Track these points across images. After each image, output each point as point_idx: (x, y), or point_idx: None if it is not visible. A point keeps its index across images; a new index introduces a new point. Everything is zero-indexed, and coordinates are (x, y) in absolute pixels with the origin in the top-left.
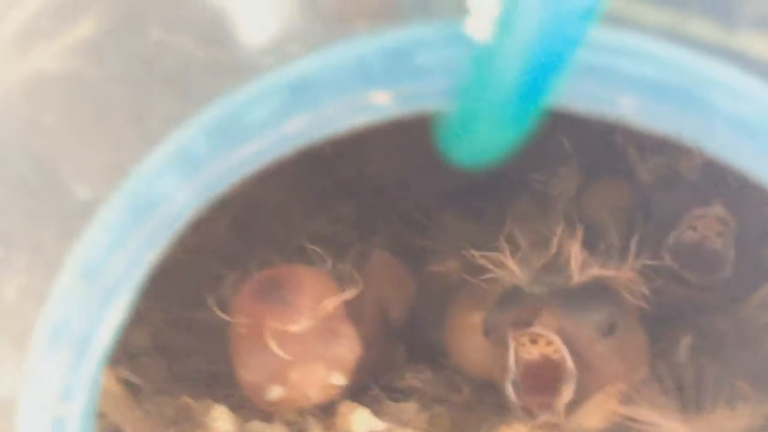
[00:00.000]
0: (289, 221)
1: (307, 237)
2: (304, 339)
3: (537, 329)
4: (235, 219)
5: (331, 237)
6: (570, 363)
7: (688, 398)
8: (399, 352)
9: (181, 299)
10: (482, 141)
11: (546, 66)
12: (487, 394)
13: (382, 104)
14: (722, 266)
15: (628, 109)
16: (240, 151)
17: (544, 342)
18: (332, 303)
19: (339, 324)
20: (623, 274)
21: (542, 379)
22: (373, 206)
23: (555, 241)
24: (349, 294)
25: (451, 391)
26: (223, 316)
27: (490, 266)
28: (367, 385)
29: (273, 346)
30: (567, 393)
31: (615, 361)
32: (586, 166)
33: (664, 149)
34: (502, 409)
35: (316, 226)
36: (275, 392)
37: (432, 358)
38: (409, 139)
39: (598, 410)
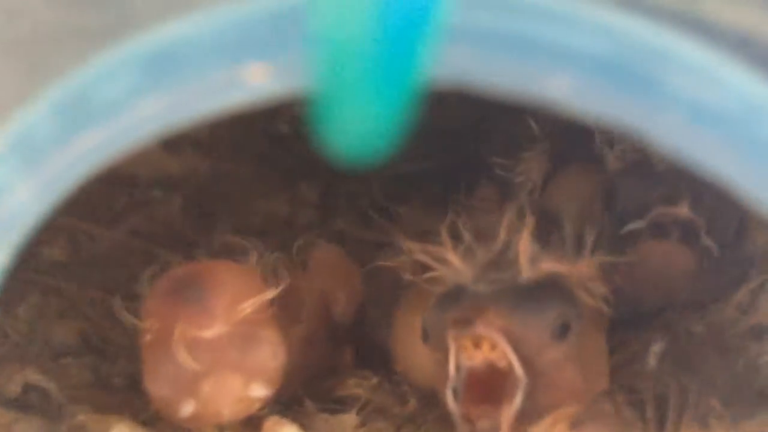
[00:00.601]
0: (247, 203)
1: (266, 219)
2: (218, 346)
3: (479, 330)
4: (188, 200)
5: (290, 219)
6: (518, 368)
7: (653, 415)
8: (345, 355)
9: (120, 289)
10: (351, 127)
11: (402, 31)
12: (432, 406)
13: (258, 81)
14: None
15: (559, 92)
16: (90, 137)
17: (488, 346)
18: (251, 305)
19: (260, 328)
20: (580, 270)
21: (486, 388)
22: (335, 188)
23: (502, 233)
24: (270, 294)
25: (396, 402)
26: (130, 318)
27: (431, 262)
28: (302, 395)
29: (181, 354)
30: (514, 403)
31: (569, 369)
32: (554, 151)
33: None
34: (446, 424)
35: (275, 208)
36: (188, 407)
37: (380, 364)
38: None
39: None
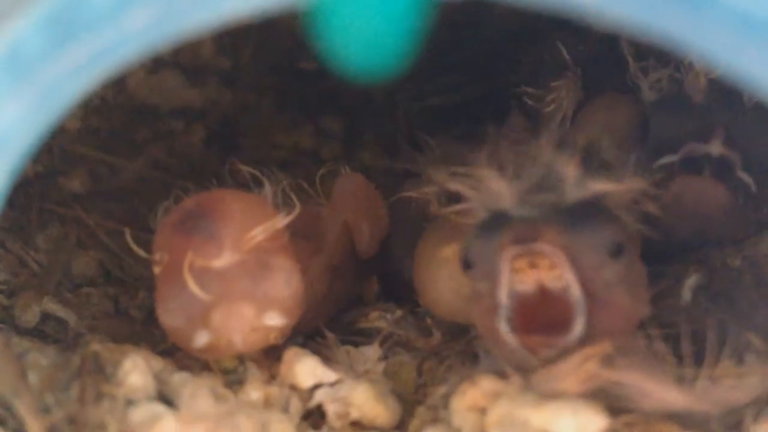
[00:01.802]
0: (270, 135)
1: (289, 152)
2: (230, 275)
3: (540, 247)
4: (210, 132)
5: (314, 152)
6: (576, 289)
7: (688, 350)
8: (370, 286)
9: (140, 221)
10: (353, 37)
11: None
12: (456, 340)
13: None
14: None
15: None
16: (80, 51)
17: (547, 266)
18: (261, 233)
19: (272, 256)
20: (624, 190)
21: (541, 315)
22: (360, 122)
23: (545, 158)
24: (280, 222)
25: (419, 335)
26: (141, 252)
27: (467, 191)
28: (325, 326)
29: (191, 284)
30: (575, 328)
31: (621, 292)
32: (585, 80)
33: (670, 62)
34: (471, 359)
35: (298, 141)
36: (201, 338)
37: (404, 297)
38: None
39: (576, 372)
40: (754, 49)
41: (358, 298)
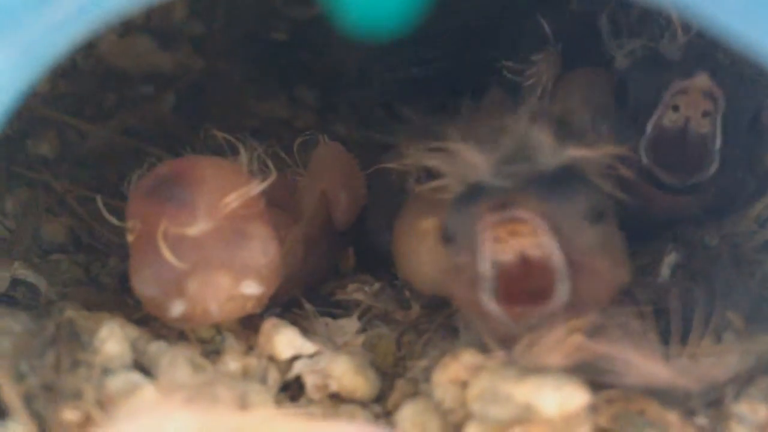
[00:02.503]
0: (242, 104)
1: (262, 121)
2: (205, 243)
3: (519, 213)
4: (181, 98)
5: (288, 122)
6: (557, 255)
7: (667, 327)
8: (347, 258)
9: (109, 187)
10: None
11: None
12: (435, 313)
13: None
14: (707, 161)
15: None
16: (63, 4)
17: (528, 232)
18: (235, 200)
19: (248, 224)
20: (599, 156)
21: (523, 284)
22: (334, 92)
23: (521, 128)
24: (256, 188)
25: (399, 307)
26: (112, 220)
27: (442, 165)
28: (303, 297)
29: (165, 252)
30: (557, 296)
31: (601, 257)
32: (563, 54)
33: (644, 32)
34: (451, 332)
35: (271, 110)
36: (177, 307)
37: (381, 270)
38: None
39: (559, 345)
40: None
41: (333, 269)
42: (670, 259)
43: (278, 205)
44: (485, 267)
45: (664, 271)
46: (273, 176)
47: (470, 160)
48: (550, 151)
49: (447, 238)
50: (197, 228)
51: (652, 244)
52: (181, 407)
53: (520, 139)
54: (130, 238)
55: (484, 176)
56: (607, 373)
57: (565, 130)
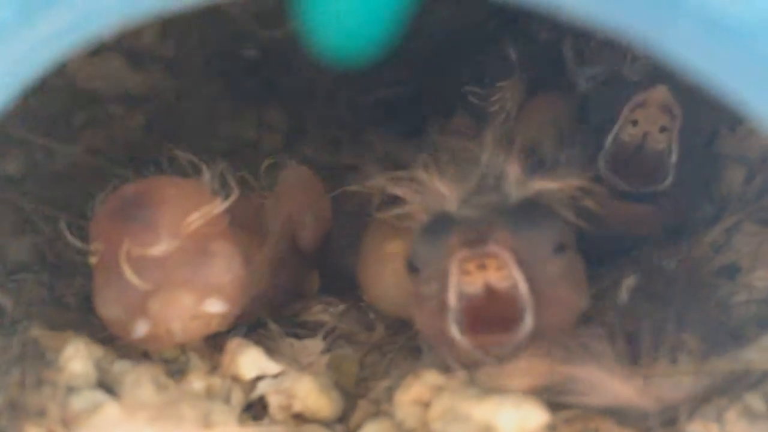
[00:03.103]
0: (212, 125)
1: (231, 142)
2: (168, 263)
3: (492, 249)
4: (151, 119)
5: (256, 143)
6: (523, 287)
7: (624, 349)
8: (311, 280)
9: (76, 207)
10: (338, 21)
11: None
12: (399, 334)
13: None
14: (663, 172)
15: None
16: (51, 21)
17: (495, 267)
18: (197, 219)
19: (211, 242)
20: (564, 188)
21: (489, 315)
22: (303, 114)
23: (484, 157)
24: (218, 207)
25: (363, 329)
26: (75, 242)
27: (409, 194)
28: (268, 318)
29: (128, 272)
30: (524, 325)
31: (564, 286)
32: (528, 80)
33: (607, 60)
34: (414, 353)
35: (241, 131)
36: (141, 327)
37: (346, 291)
38: None
39: (526, 369)
40: (721, 51)
41: (298, 291)
42: (629, 282)
43: (244, 227)
44: (452, 299)
45: (623, 293)
46: (235, 194)
47: (437, 189)
48: (516, 183)
49: (413, 267)
50: (160, 248)
51: (611, 267)
52: (144, 426)
53: (486, 169)
54: (92, 260)
55: (451, 206)
56: (568, 394)
57: (530, 159)
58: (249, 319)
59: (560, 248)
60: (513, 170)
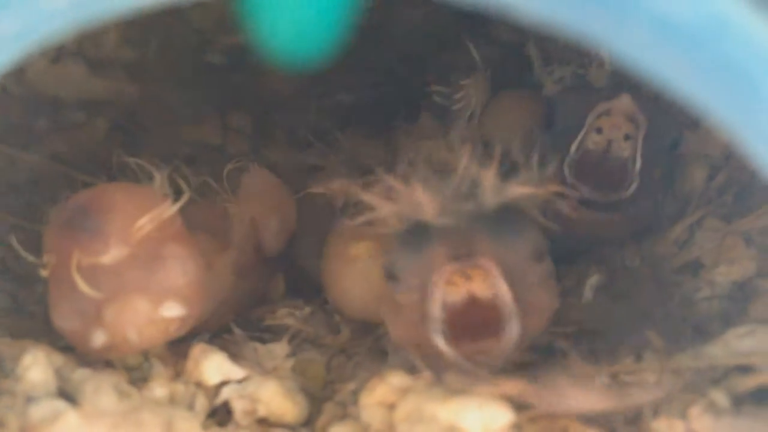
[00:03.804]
0: (176, 130)
1: (196, 147)
2: (122, 270)
3: (481, 261)
4: (113, 125)
5: (220, 147)
6: (509, 297)
7: (591, 347)
8: (276, 284)
9: (38, 215)
10: (286, 23)
11: None
12: (364, 338)
13: None
14: (627, 181)
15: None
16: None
17: (481, 277)
18: (147, 223)
19: (164, 246)
20: (540, 193)
21: (471, 322)
22: (269, 117)
23: (460, 163)
24: (168, 209)
25: (329, 332)
26: (27, 256)
27: (384, 202)
28: (232, 322)
29: (80, 283)
30: (512, 332)
31: (541, 292)
32: (493, 80)
33: (574, 60)
34: (380, 356)
35: (205, 136)
36: (98, 338)
37: (312, 293)
38: None
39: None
40: (671, 52)
41: (263, 295)
42: (593, 280)
43: (208, 231)
44: (436, 309)
45: (587, 292)
46: (186, 196)
47: (413, 197)
48: (492, 189)
49: (391, 275)
50: (111, 256)
51: (574, 265)
52: None
53: (461, 175)
54: (45, 272)
55: (429, 216)
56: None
57: (501, 162)
58: (212, 325)
59: (539, 255)
60: (488, 177)
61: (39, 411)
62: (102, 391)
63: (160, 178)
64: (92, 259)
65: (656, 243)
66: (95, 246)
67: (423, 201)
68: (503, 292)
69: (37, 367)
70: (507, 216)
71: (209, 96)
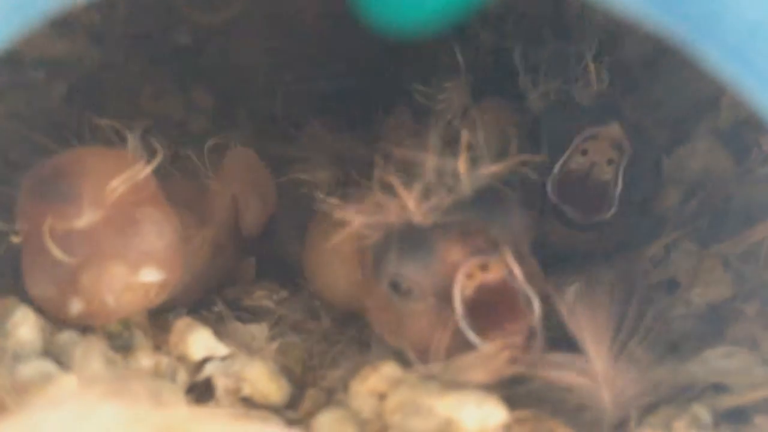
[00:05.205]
0: (136, 101)
1: (155, 120)
2: (96, 235)
3: (504, 254)
4: (73, 87)
5: (181, 124)
6: (522, 280)
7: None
8: (247, 266)
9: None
10: None
11: None
12: (348, 326)
13: None
14: (607, 204)
15: None
16: None
17: (497, 267)
18: (119, 185)
19: (140, 209)
20: (510, 166)
21: (487, 309)
22: (234, 99)
23: (433, 161)
24: (141, 171)
25: (309, 318)
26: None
27: (365, 209)
28: (211, 299)
29: (53, 249)
30: (536, 308)
31: (533, 262)
32: (475, 84)
33: (560, 75)
34: (362, 346)
35: (166, 110)
36: (75, 305)
37: (289, 279)
38: (282, 32)
39: (484, 363)
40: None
41: (233, 277)
42: (573, 288)
43: (185, 206)
44: (459, 307)
45: (569, 297)
46: (159, 157)
47: (400, 205)
48: (468, 176)
49: (401, 289)
50: (84, 220)
51: (557, 276)
52: (98, 401)
53: (433, 169)
54: (16, 239)
55: (421, 218)
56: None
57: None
58: (185, 300)
59: (527, 228)
60: (461, 165)
61: (27, 370)
62: (92, 357)
63: (132, 139)
64: (66, 224)
65: (631, 260)
66: (68, 210)
67: (411, 206)
68: (517, 273)
69: (26, 325)
70: (490, 198)
71: (173, 71)
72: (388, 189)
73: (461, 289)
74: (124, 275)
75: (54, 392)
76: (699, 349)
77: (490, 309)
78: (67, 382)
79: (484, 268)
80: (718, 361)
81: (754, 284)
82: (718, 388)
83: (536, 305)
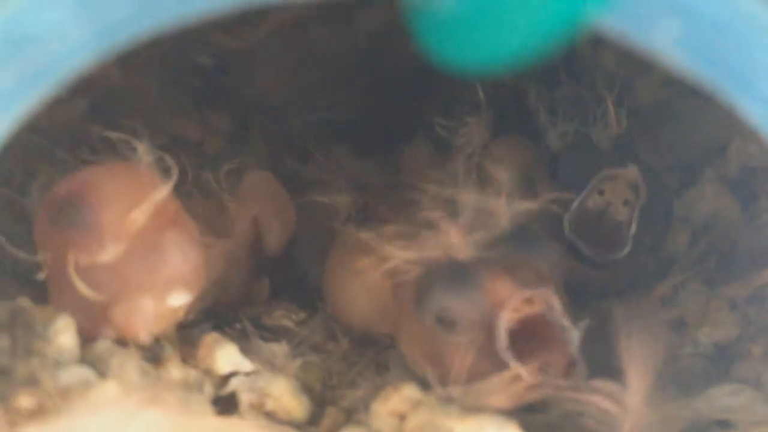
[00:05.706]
0: (155, 119)
1: (172, 140)
2: (120, 267)
3: (546, 289)
4: (94, 104)
5: (197, 145)
6: (559, 311)
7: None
8: (262, 287)
9: (16, 183)
10: (481, 39)
11: None
12: (366, 348)
13: None
14: (621, 244)
15: (664, 39)
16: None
17: (540, 300)
18: (143, 213)
19: (163, 234)
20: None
21: (529, 340)
22: (250, 123)
23: (468, 196)
24: (160, 193)
25: (327, 339)
26: (19, 254)
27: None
28: (235, 316)
29: (80, 285)
30: (574, 339)
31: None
32: (495, 121)
33: (577, 116)
34: (381, 368)
35: (183, 130)
36: (107, 334)
37: (307, 300)
38: (305, 59)
39: (505, 388)
40: None
41: (246, 297)
42: (582, 324)
43: (205, 224)
44: (503, 340)
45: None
46: (174, 175)
47: (442, 240)
48: (504, 212)
49: (447, 323)
50: (108, 253)
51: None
52: (136, 409)
53: (471, 206)
54: (43, 274)
55: (462, 254)
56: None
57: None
58: (206, 312)
59: (559, 261)
60: (499, 202)
61: (68, 376)
62: (128, 367)
63: (145, 153)
64: (89, 258)
65: (640, 299)
66: (90, 243)
67: (454, 242)
68: (557, 305)
69: (68, 332)
70: (528, 233)
71: (191, 92)
72: (424, 224)
73: (508, 323)
74: (155, 306)
75: (95, 398)
76: (705, 387)
77: (528, 340)
78: (108, 388)
79: (528, 301)
80: (723, 399)
81: (760, 325)
82: (723, 425)
83: (575, 336)
